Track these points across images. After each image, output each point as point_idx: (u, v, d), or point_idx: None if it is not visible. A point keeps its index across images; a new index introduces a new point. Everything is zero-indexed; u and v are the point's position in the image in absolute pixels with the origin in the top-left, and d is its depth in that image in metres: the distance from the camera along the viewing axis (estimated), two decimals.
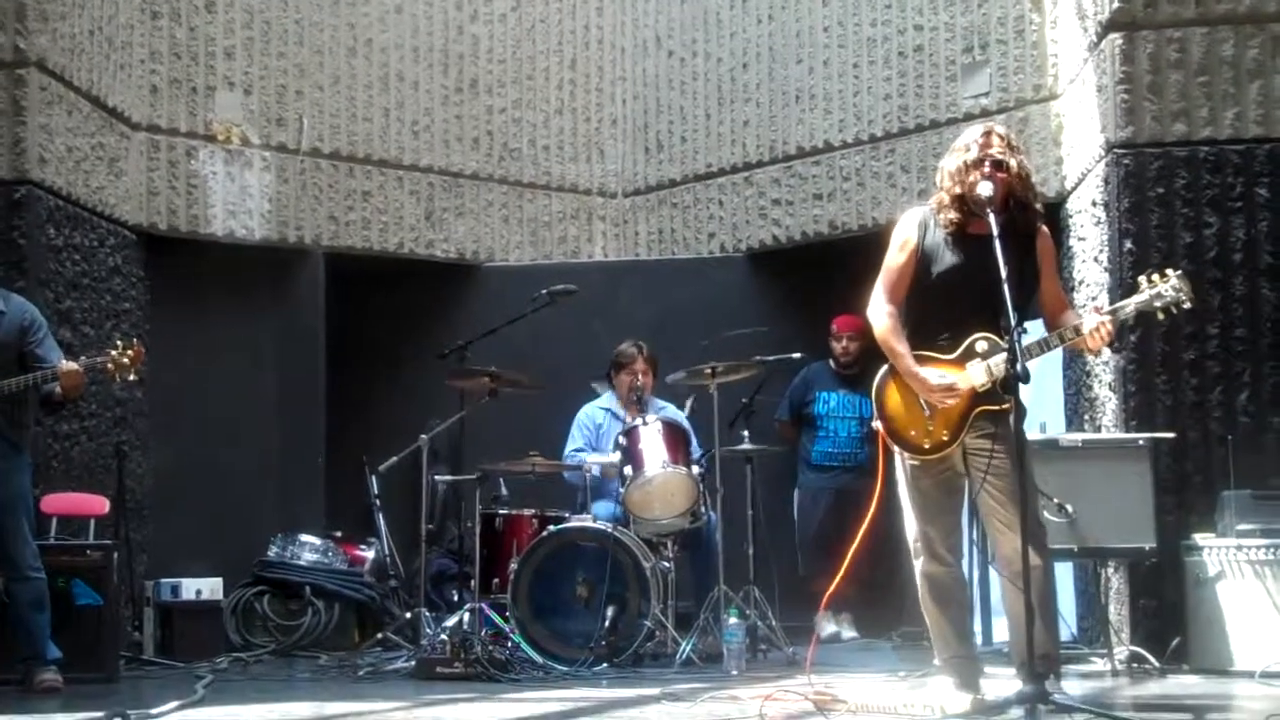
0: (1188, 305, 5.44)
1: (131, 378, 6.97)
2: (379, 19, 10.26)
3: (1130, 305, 5.48)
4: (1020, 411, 5.15)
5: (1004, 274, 5.12)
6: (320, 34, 10.00)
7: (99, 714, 5.25)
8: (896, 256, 5.55)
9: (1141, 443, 6.93)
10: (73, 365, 6.65)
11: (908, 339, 5.47)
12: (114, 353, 6.72)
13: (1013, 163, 5.41)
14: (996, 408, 5.36)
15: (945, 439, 5.39)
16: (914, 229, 5.53)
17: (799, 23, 10.09)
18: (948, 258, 5.45)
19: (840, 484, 9.22)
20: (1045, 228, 5.60)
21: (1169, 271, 5.43)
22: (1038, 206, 5.57)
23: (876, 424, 5.56)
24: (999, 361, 5.31)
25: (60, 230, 8.24)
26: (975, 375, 5.36)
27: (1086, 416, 7.99)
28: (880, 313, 5.53)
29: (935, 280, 5.47)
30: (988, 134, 5.49)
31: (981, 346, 5.38)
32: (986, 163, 5.37)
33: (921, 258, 5.49)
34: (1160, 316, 5.52)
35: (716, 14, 10.63)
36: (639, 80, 11.10)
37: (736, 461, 7.90)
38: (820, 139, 9.92)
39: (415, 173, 10.39)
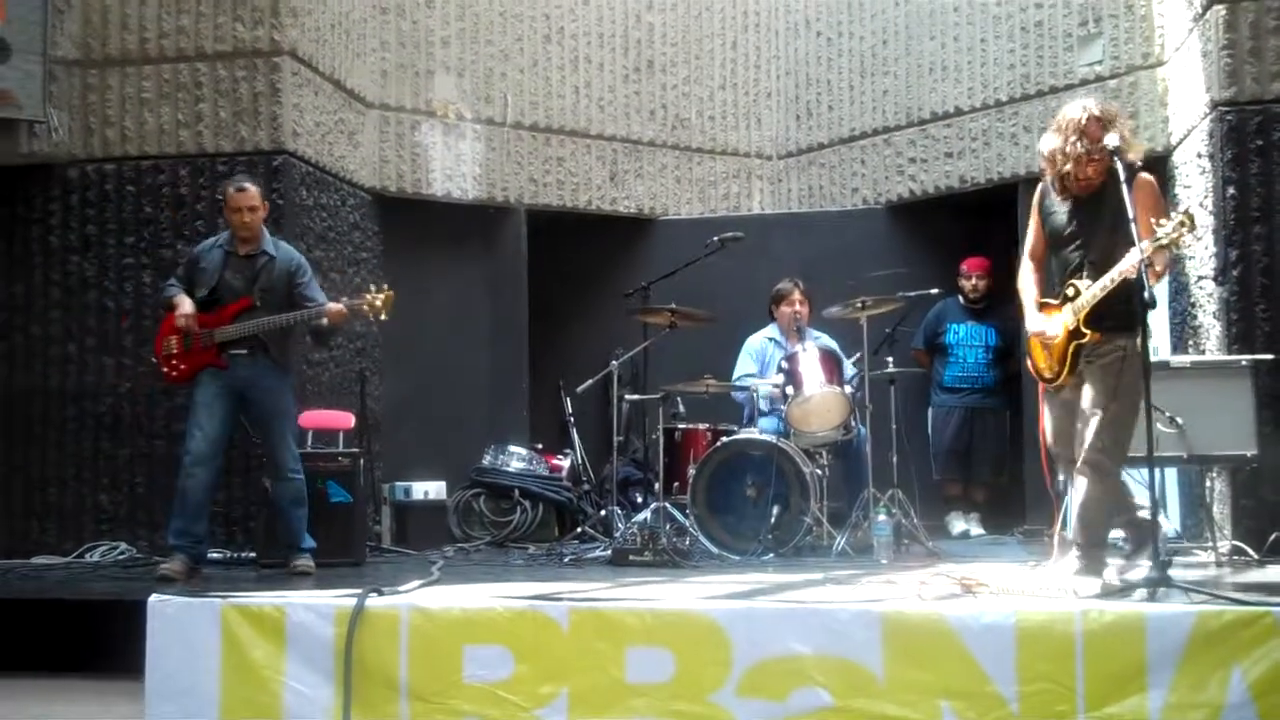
0: (1188, 240, 5.12)
1: (384, 317, 6.93)
2: (569, 10, 10.26)
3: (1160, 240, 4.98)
4: (1146, 335, 5.03)
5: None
6: (520, 24, 10.04)
7: (358, 590, 5.32)
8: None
9: (1244, 363, 6.71)
10: (338, 305, 6.77)
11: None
12: (369, 296, 6.81)
13: None
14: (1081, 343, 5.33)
15: (1058, 370, 5.41)
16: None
17: (931, 3, 9.85)
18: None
19: (968, 403, 9.13)
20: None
21: (1173, 213, 5.07)
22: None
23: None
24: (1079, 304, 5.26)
25: (310, 192, 8.42)
26: (1066, 318, 5.34)
27: (1190, 342, 7.74)
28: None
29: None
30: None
31: (1070, 292, 5.35)
32: None
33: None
34: (1173, 250, 5.17)
35: None
36: (791, 58, 10.95)
37: (881, 383, 7.80)
38: (951, 105, 9.70)
39: (601, 141, 10.40)
